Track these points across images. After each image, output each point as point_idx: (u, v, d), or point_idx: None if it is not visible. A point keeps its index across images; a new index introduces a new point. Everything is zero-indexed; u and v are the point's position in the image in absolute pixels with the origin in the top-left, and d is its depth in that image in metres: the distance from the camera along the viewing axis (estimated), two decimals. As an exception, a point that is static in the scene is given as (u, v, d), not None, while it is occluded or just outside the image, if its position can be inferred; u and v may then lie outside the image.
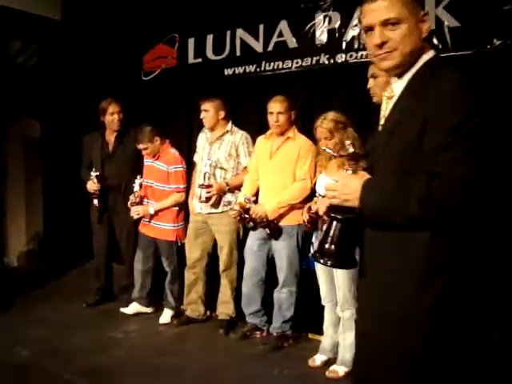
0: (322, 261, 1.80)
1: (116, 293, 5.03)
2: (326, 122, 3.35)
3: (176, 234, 4.39)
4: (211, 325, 4.34)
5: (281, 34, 4.64)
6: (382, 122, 1.79)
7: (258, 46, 4.79)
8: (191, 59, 5.28)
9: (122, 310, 4.55)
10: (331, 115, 3.37)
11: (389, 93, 1.78)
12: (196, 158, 4.41)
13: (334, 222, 1.75)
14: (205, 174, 4.07)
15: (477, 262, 1.67)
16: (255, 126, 4.66)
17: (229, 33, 4.96)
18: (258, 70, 4.80)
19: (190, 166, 4.61)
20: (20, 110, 6.31)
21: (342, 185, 1.70)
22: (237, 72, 4.94)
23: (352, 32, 4.26)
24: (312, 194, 3.69)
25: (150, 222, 4.42)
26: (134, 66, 5.70)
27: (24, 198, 6.85)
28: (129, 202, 4.39)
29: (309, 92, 4.60)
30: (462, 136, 1.50)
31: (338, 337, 3.49)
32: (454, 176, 1.49)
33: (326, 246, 1.77)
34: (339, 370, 3.40)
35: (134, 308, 4.56)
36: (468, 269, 1.64)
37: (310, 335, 4.07)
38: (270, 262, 4.02)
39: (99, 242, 4.84)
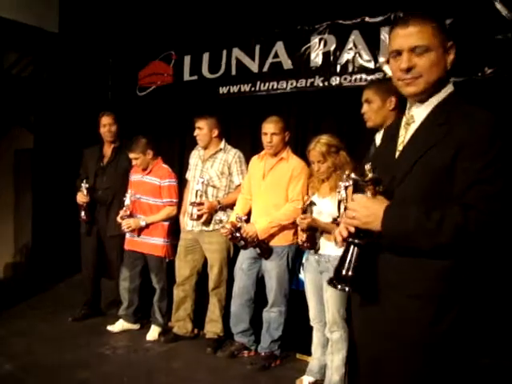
0: (339, 287, 1.77)
1: (103, 307, 4.99)
2: (319, 146, 3.37)
3: (165, 250, 4.39)
4: (199, 343, 4.31)
5: (276, 55, 4.71)
6: (399, 147, 1.80)
7: (253, 66, 4.86)
8: (186, 77, 5.33)
9: (109, 327, 4.50)
10: (324, 139, 3.39)
11: (407, 119, 1.80)
12: (188, 175, 4.43)
13: (352, 247, 1.75)
14: (197, 191, 4.08)
15: (487, 285, 1.74)
16: (248, 144, 4.72)
17: (225, 52, 5.03)
18: (252, 89, 4.86)
19: (182, 183, 4.62)
20: (13, 121, 6.31)
21: (363, 207, 1.71)
22: (232, 91, 4.99)
23: (347, 55, 4.33)
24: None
25: (138, 236, 4.40)
26: (129, 80, 5.75)
27: (13, 210, 6.83)
28: (118, 216, 4.38)
29: (302, 113, 4.66)
30: (498, 170, 1.56)
31: (326, 358, 3.48)
32: (492, 210, 1.55)
33: (343, 272, 1.76)
34: (327, 391, 3.39)
35: (120, 325, 4.53)
36: (480, 293, 1.70)
37: (298, 355, 4.06)
38: (260, 282, 4.02)
39: (86, 255, 4.82)
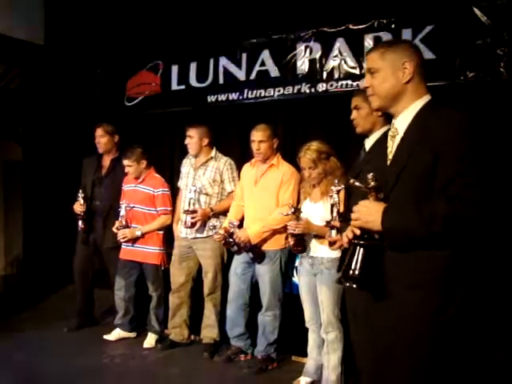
0: (347, 284, 1.94)
1: (98, 317, 5.03)
2: (309, 153, 3.45)
3: (161, 258, 4.45)
4: (195, 348, 4.38)
5: (263, 63, 4.78)
6: (390, 156, 2.02)
7: (240, 75, 4.92)
8: (174, 86, 5.36)
9: (105, 336, 4.55)
10: (314, 145, 3.48)
11: (393, 132, 2.03)
12: (180, 183, 4.49)
13: (358, 248, 1.92)
14: (190, 199, 4.15)
15: (484, 273, 1.89)
16: (237, 152, 4.78)
17: (212, 61, 5.08)
18: (240, 97, 4.92)
19: (173, 192, 4.66)
20: (1, 133, 6.31)
21: (365, 207, 1.92)
22: (220, 99, 5.04)
23: (332, 62, 4.42)
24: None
25: (132, 246, 4.45)
26: (117, 91, 5.76)
27: (2, 222, 6.82)
28: (114, 226, 4.43)
29: (290, 120, 4.74)
30: (472, 163, 1.77)
31: (323, 358, 3.56)
32: (473, 198, 1.75)
33: (351, 271, 1.92)
34: (324, 391, 3.47)
35: (116, 334, 4.57)
36: (479, 280, 1.90)
37: (294, 358, 4.14)
38: (254, 286, 4.10)
39: (79, 264, 4.86)
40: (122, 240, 4.42)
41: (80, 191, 4.65)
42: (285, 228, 3.87)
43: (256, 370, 3.90)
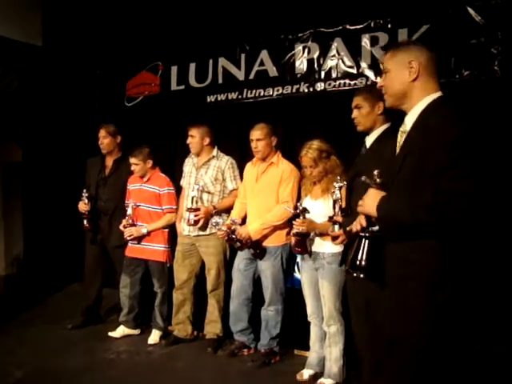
0: (354, 274, 2.10)
1: (103, 315, 5.10)
2: (310, 152, 3.54)
3: (166, 255, 4.53)
4: (199, 344, 4.46)
5: (262, 63, 4.85)
6: (397, 150, 2.15)
7: (239, 75, 4.99)
8: (174, 86, 5.42)
9: (110, 333, 4.61)
10: (315, 144, 3.56)
11: (403, 128, 2.14)
12: (183, 182, 4.57)
13: (364, 240, 2.07)
14: (192, 197, 4.23)
15: (479, 266, 1.99)
16: (237, 151, 4.84)
17: (211, 61, 5.13)
18: (239, 97, 4.98)
19: (175, 191, 4.73)
20: (1, 135, 6.36)
21: (369, 197, 2.09)
22: (219, 99, 5.11)
23: (330, 62, 4.50)
24: (294, 216, 3.84)
25: (139, 243, 4.52)
26: (116, 91, 5.81)
27: (2, 222, 6.87)
28: (121, 225, 4.50)
29: (289, 118, 4.81)
30: (458, 157, 1.84)
31: (325, 351, 3.65)
32: (455, 191, 1.83)
33: (357, 262, 2.07)
34: (327, 382, 3.56)
35: (121, 331, 4.64)
36: (472, 273, 1.97)
37: (296, 351, 4.23)
38: (257, 281, 4.19)
39: (90, 264, 4.91)
40: (128, 238, 4.49)
41: (84, 190, 4.71)
42: (285, 224, 3.98)
43: (259, 364, 3.99)
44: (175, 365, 4.06)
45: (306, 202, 3.67)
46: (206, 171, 4.35)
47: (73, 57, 6.11)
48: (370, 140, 3.08)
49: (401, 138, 2.14)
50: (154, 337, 4.52)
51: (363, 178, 2.14)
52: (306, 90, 4.63)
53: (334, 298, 3.53)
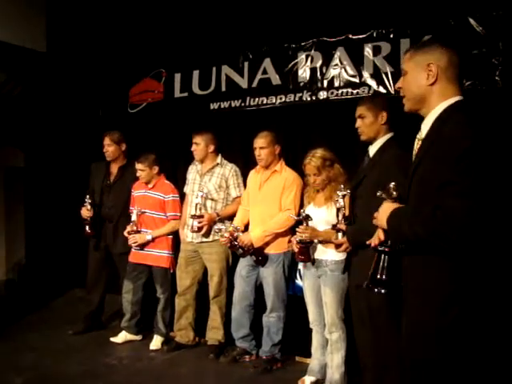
0: (376, 290, 2.09)
1: (104, 320, 5.12)
2: (314, 160, 3.58)
3: (170, 262, 4.56)
4: (201, 350, 4.48)
5: (265, 72, 4.89)
6: (413, 159, 2.08)
7: (242, 82, 5.02)
8: (177, 93, 5.45)
9: (112, 339, 4.64)
10: (319, 153, 3.60)
11: (419, 134, 2.08)
12: (186, 189, 4.61)
13: (382, 255, 2.06)
14: (196, 204, 4.26)
15: (492, 285, 1.89)
16: (240, 158, 4.86)
17: (214, 69, 5.17)
18: (242, 104, 5.01)
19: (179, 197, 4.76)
20: (4, 140, 6.38)
21: (383, 210, 2.06)
22: (222, 106, 5.14)
23: (333, 71, 4.54)
24: (296, 224, 3.86)
25: (143, 249, 4.55)
26: (120, 98, 5.84)
27: (4, 227, 6.88)
28: (125, 231, 4.53)
29: (291, 127, 4.84)
30: (461, 172, 1.75)
31: (326, 358, 3.67)
32: (454, 208, 1.74)
33: (378, 276, 2.07)
34: (328, 389, 3.58)
35: (123, 336, 4.66)
36: (483, 292, 1.88)
37: (298, 358, 4.25)
38: (259, 288, 4.21)
39: (93, 270, 4.92)
40: (133, 244, 4.52)
41: (87, 196, 4.73)
42: (287, 232, 4.01)
43: (261, 370, 4.01)
44: (177, 371, 4.08)
45: (309, 210, 3.69)
46: (209, 178, 4.39)
47: (76, 63, 6.13)
48: (373, 149, 3.11)
49: (416, 146, 2.08)
50: (156, 342, 4.54)
51: (379, 194, 2.10)
52: (309, 99, 4.67)
53: (337, 305, 3.55)
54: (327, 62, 4.58)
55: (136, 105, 5.77)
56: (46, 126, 6.33)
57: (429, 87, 2.00)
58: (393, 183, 2.05)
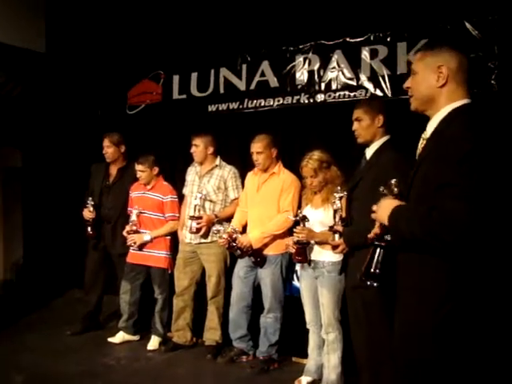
0: (368, 283, 2.13)
1: (102, 321, 5.14)
2: (311, 162, 3.61)
3: (168, 262, 4.58)
4: (198, 350, 4.51)
5: (263, 74, 4.92)
6: (417, 157, 2.11)
7: (240, 85, 5.05)
8: (176, 95, 5.47)
9: (110, 339, 4.66)
10: (316, 155, 3.63)
11: (424, 134, 2.10)
12: (185, 190, 4.63)
13: (378, 249, 2.10)
14: (195, 206, 4.29)
15: (487, 286, 1.91)
16: (237, 160, 4.87)
17: (213, 71, 5.20)
18: (240, 107, 5.04)
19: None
20: (2, 140, 6.39)
21: (383, 205, 2.07)
22: (220, 108, 5.16)
23: (330, 74, 4.57)
24: (294, 224, 3.88)
25: (141, 250, 4.57)
26: (118, 99, 5.85)
27: (2, 227, 6.89)
28: (124, 231, 4.56)
29: (289, 129, 4.87)
30: (460, 175, 1.77)
31: (323, 358, 3.70)
32: (451, 210, 1.76)
33: (371, 270, 2.10)
34: (325, 389, 3.62)
35: (121, 337, 4.69)
36: (477, 292, 1.89)
37: (294, 359, 4.28)
38: (256, 289, 4.24)
39: (92, 270, 4.95)
40: (132, 244, 4.55)
41: (90, 198, 4.76)
42: (285, 233, 4.04)
43: (258, 371, 4.04)
44: (175, 371, 4.11)
45: (307, 212, 3.73)
46: (208, 180, 4.42)
47: (75, 64, 6.15)
48: (369, 152, 3.15)
49: (421, 145, 2.10)
50: (154, 343, 4.56)
51: (381, 189, 2.13)
52: (307, 101, 4.71)
53: (333, 306, 3.58)
54: (325, 65, 4.61)
55: (134, 106, 5.78)
56: (45, 127, 6.33)
57: (438, 89, 2.03)
58: (394, 179, 2.08)
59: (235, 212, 4.37)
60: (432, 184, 1.86)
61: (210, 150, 4.42)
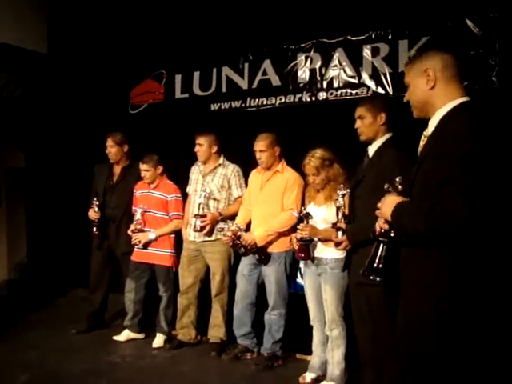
0: (371, 278, 2.16)
1: (107, 319, 5.17)
2: (313, 160, 3.63)
3: (173, 260, 4.61)
4: (203, 348, 4.53)
5: (265, 73, 4.96)
6: (418, 154, 2.14)
7: (243, 83, 5.08)
8: (178, 94, 5.51)
9: (115, 337, 4.69)
10: (318, 153, 3.65)
11: (426, 132, 2.13)
12: (189, 189, 4.66)
13: (381, 245, 2.13)
14: (199, 204, 4.32)
15: (489, 280, 1.94)
16: (240, 158, 4.91)
17: (215, 70, 5.23)
18: (243, 105, 5.08)
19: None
20: (5, 141, 6.42)
21: (387, 202, 2.11)
22: (223, 107, 5.20)
23: (332, 72, 4.61)
24: (298, 221, 3.88)
25: (145, 248, 4.60)
26: (121, 99, 5.88)
27: (6, 227, 6.91)
28: (129, 230, 4.59)
29: (291, 127, 4.90)
30: (461, 172, 1.80)
31: (327, 354, 3.72)
32: (453, 207, 1.79)
33: (375, 265, 2.14)
34: (329, 385, 3.64)
35: (126, 335, 4.72)
36: (479, 287, 1.92)
37: (298, 355, 4.30)
38: (261, 286, 4.27)
39: (96, 269, 4.97)
40: (136, 243, 4.57)
41: (95, 199, 4.78)
42: (289, 231, 4.06)
43: (262, 368, 4.06)
44: (180, 368, 4.13)
45: (310, 209, 3.75)
46: (212, 178, 4.45)
47: (78, 64, 6.17)
48: (372, 149, 3.17)
49: (422, 143, 2.13)
50: (159, 341, 4.59)
51: (386, 186, 2.16)
52: (308, 99, 4.74)
53: (337, 302, 3.60)
54: (326, 63, 4.65)
55: (137, 106, 5.81)
56: (47, 127, 6.36)
57: (430, 91, 2.07)
58: (399, 177, 2.11)
59: (239, 210, 4.40)
60: (433, 181, 1.88)
61: (214, 148, 4.45)
